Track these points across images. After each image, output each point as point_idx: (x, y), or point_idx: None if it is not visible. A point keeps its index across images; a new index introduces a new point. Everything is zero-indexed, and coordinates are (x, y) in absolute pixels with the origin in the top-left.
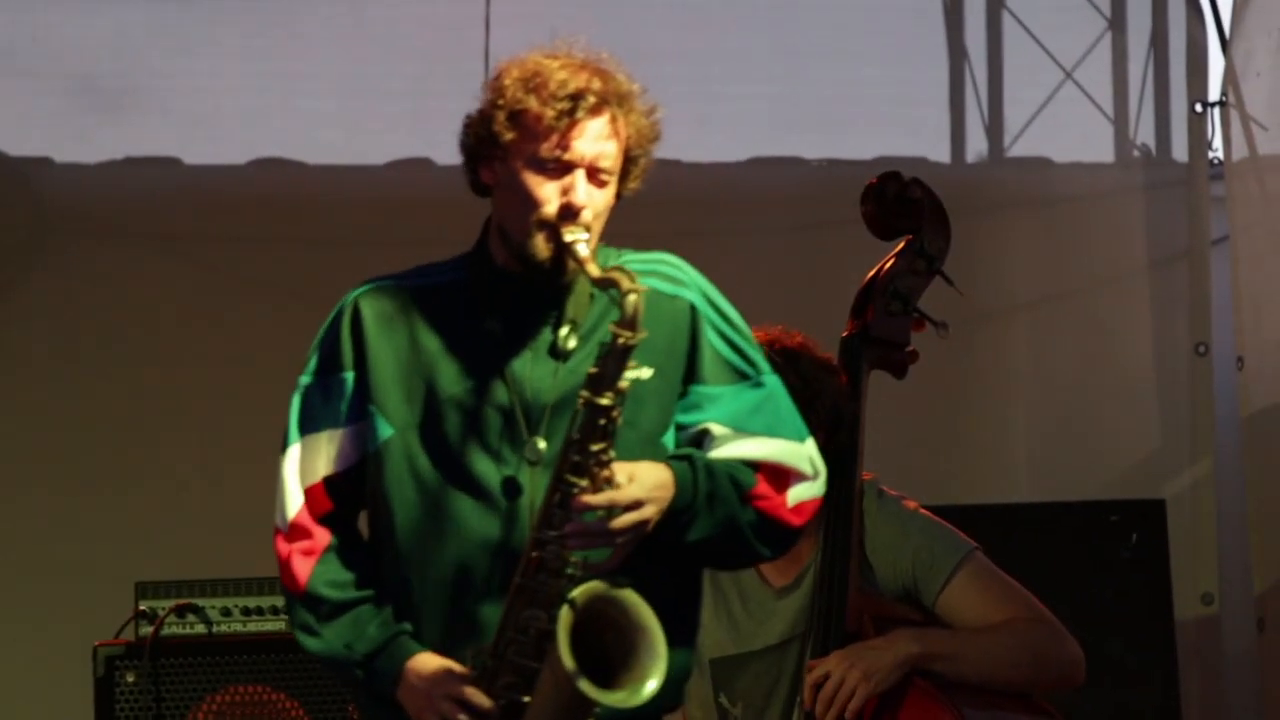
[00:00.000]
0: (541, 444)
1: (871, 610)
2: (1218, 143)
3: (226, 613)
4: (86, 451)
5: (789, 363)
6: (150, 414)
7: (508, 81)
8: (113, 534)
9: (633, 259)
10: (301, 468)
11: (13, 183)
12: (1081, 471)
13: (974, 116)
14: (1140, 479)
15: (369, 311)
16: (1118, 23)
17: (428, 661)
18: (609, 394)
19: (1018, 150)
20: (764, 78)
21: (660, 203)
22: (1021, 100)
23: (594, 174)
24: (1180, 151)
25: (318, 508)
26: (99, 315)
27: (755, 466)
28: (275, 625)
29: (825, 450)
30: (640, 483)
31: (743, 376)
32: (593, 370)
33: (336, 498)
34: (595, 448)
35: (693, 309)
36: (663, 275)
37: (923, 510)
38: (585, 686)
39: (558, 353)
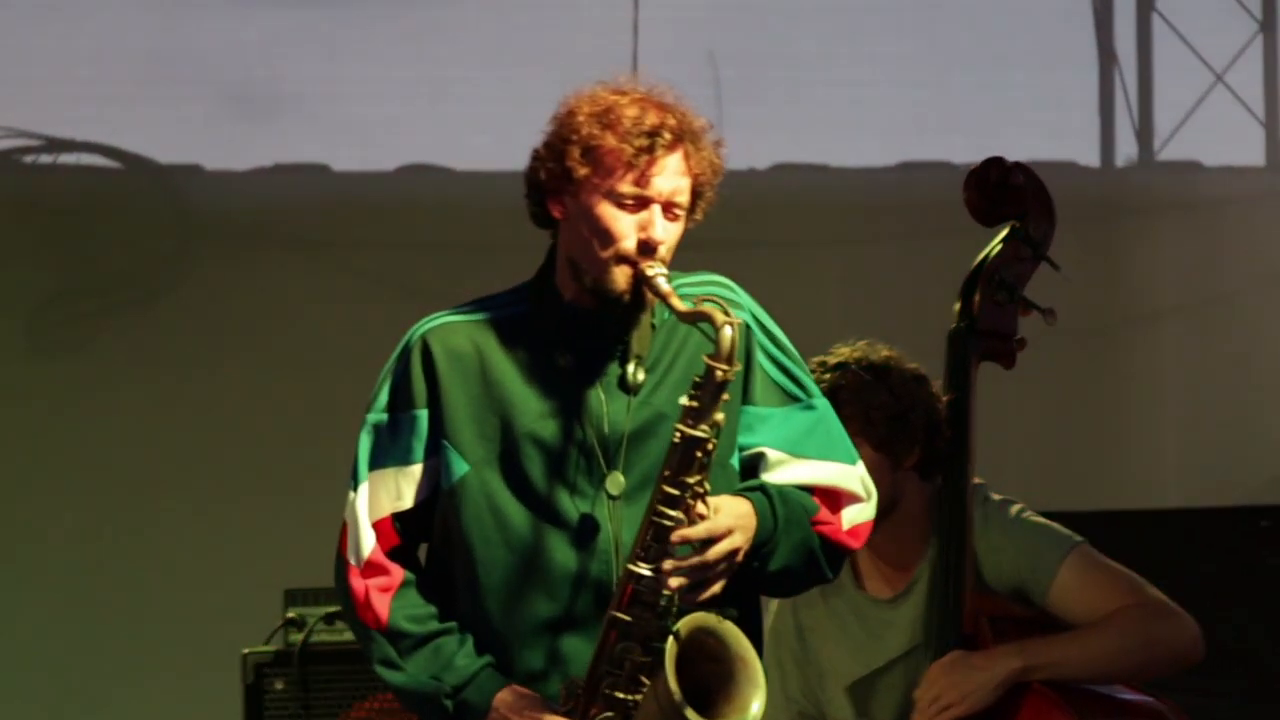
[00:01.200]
0: (620, 478)
1: (987, 610)
2: None
3: None
4: (236, 458)
5: (878, 378)
6: (299, 420)
7: (581, 117)
8: (262, 541)
9: (685, 281)
10: (371, 504)
11: (163, 190)
12: (1232, 476)
13: (1123, 120)
14: None
15: (439, 348)
16: (1269, 24)
17: (519, 694)
18: (704, 427)
19: (1167, 154)
20: (912, 82)
21: (812, 208)
22: (1171, 103)
23: (668, 209)
24: None
25: (386, 543)
26: (247, 321)
27: (811, 490)
28: None
29: (926, 458)
30: (728, 512)
31: (793, 399)
32: (689, 403)
33: (404, 533)
34: (691, 480)
35: (746, 330)
36: (717, 298)
37: (1028, 511)
38: (692, 716)
39: (628, 387)
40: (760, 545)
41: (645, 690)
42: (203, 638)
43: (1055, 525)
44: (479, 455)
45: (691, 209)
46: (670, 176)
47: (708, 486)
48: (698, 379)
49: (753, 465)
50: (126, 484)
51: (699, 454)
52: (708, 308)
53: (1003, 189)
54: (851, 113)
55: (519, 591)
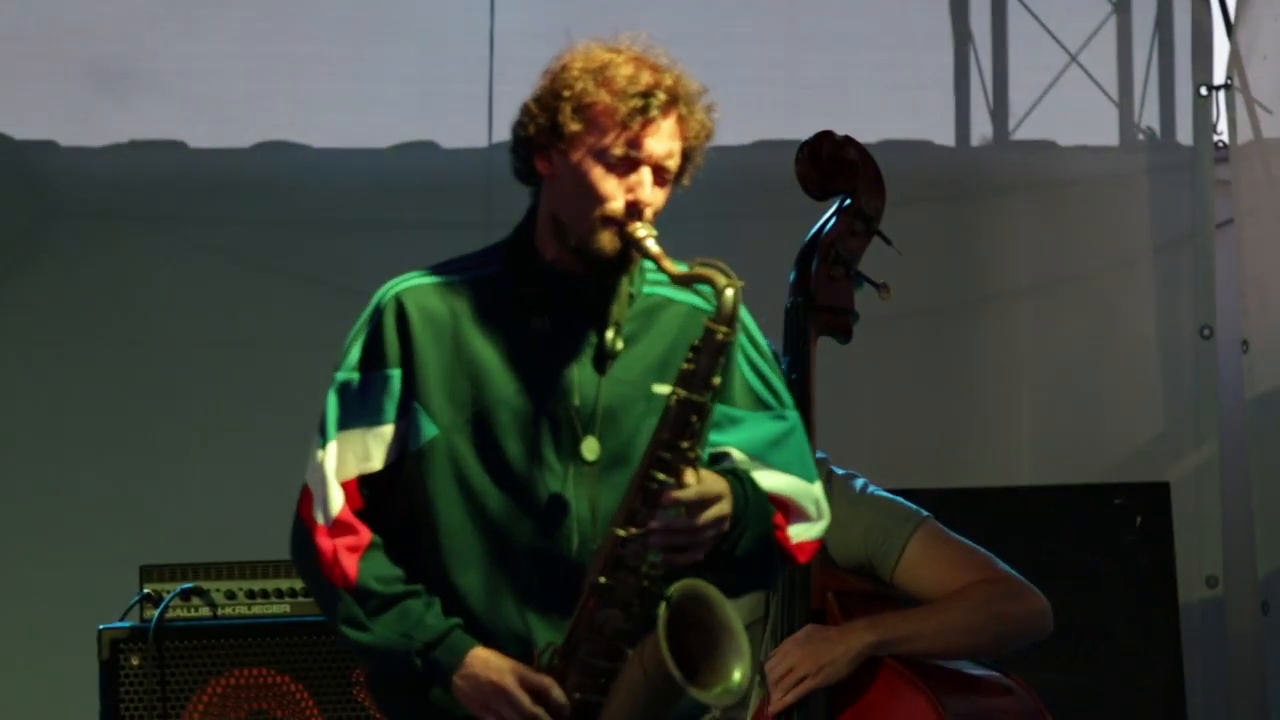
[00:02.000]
0: (595, 444)
1: (834, 586)
2: (1223, 126)
3: (231, 596)
4: (90, 435)
5: None
6: (153, 397)
7: (575, 72)
8: (117, 517)
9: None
10: (339, 463)
11: (17, 166)
12: (1086, 455)
13: (978, 100)
14: (1144, 462)
15: (413, 307)
16: (1122, 6)
17: (491, 654)
18: (702, 391)
19: (1022, 133)
20: (768, 62)
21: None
22: (1026, 84)
23: (659, 172)
24: (1185, 135)
25: (353, 503)
26: (102, 299)
27: (770, 498)
28: (280, 608)
29: None
30: (714, 480)
31: (765, 406)
32: (686, 366)
33: (370, 494)
34: (684, 445)
35: (737, 337)
36: (705, 294)
37: (872, 486)
38: (682, 682)
39: (605, 354)
40: (733, 523)
41: (630, 656)
42: (58, 614)
43: (901, 500)
44: (448, 419)
45: (680, 172)
46: (663, 139)
47: (700, 453)
48: (696, 342)
49: (716, 462)
50: None
51: (694, 418)
52: (707, 271)
53: (835, 163)
54: (708, 93)
55: (483, 560)
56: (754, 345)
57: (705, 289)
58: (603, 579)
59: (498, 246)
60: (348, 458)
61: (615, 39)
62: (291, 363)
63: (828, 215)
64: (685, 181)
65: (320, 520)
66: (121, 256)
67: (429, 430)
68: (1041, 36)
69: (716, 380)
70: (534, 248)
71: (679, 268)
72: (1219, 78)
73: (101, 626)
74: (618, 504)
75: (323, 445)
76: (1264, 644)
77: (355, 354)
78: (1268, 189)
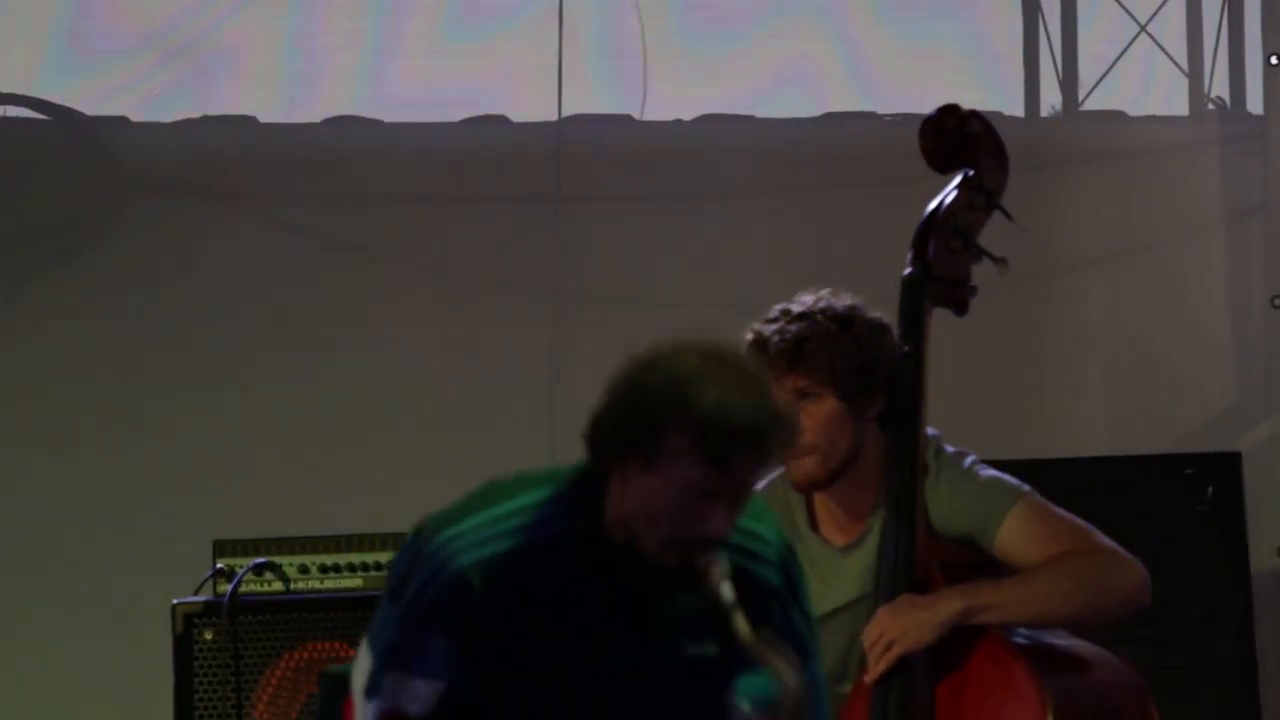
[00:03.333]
0: None
1: (939, 556)
2: None
3: (304, 570)
4: (164, 410)
5: (844, 328)
6: (224, 371)
7: (657, 400)
8: (191, 492)
9: (738, 529)
10: (387, 702)
11: (89, 142)
12: (1157, 425)
13: (1048, 70)
14: (1216, 432)
15: (477, 582)
16: None
17: None
18: None
19: (1092, 104)
20: (838, 34)
21: (735, 158)
22: (1095, 54)
23: (738, 497)
24: (1255, 104)
25: None
26: (173, 274)
27: None
28: (352, 582)
29: (888, 409)
30: None
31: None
32: None
33: None
34: None
35: (769, 590)
36: (754, 555)
37: (980, 464)
38: None
39: (658, 637)
40: None
41: None
42: (132, 589)
43: (1006, 477)
44: (496, 692)
45: None
46: (744, 476)
47: None
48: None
49: None
50: (52, 437)
51: None
52: (774, 659)
53: (958, 136)
54: (776, 64)
55: None
56: (794, 595)
57: (758, 548)
58: None
59: (560, 501)
60: (395, 697)
61: (709, 345)
62: (361, 337)
63: (949, 188)
64: None
65: None
66: (192, 232)
67: (472, 693)
68: (1111, 6)
69: None
70: (603, 528)
71: (747, 630)
72: None
73: (175, 601)
74: None
75: (373, 684)
76: None
77: (416, 608)
78: None
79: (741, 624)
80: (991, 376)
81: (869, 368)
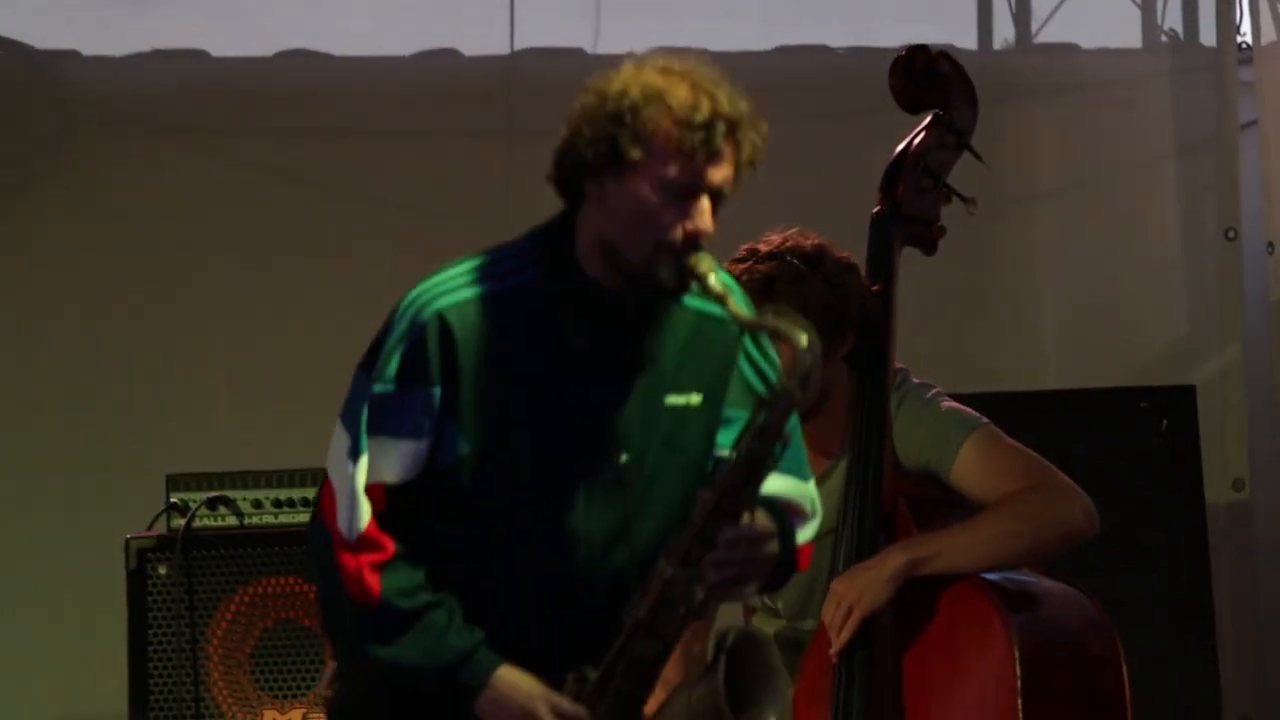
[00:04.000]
0: (629, 464)
1: (904, 491)
2: (1246, 27)
3: (258, 505)
4: (113, 344)
5: (812, 267)
6: (177, 305)
7: (636, 97)
8: (142, 427)
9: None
10: (370, 475)
11: (38, 75)
12: (1111, 358)
13: (1000, 2)
14: (1170, 365)
15: (456, 325)
16: None
17: (520, 676)
18: (770, 444)
19: (1045, 36)
20: None
21: None
22: None
23: (715, 197)
24: (1208, 36)
25: (376, 506)
26: (124, 207)
27: (772, 500)
28: (306, 517)
29: (858, 349)
30: (765, 521)
31: None
32: (757, 420)
33: (394, 504)
34: (746, 492)
35: (740, 333)
36: (781, 311)
37: (943, 396)
38: None
39: (643, 373)
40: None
41: (677, 693)
42: (86, 524)
43: (965, 409)
44: (482, 436)
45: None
46: (724, 167)
47: (757, 494)
48: (765, 397)
49: (717, 466)
50: (4, 371)
51: (757, 473)
52: (782, 324)
53: (928, 76)
54: None
55: (508, 577)
56: (757, 344)
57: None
58: (646, 614)
59: (528, 248)
60: (377, 466)
61: (664, 61)
62: (315, 271)
63: (919, 128)
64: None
65: (344, 533)
66: (143, 165)
67: (462, 448)
68: None
69: (786, 436)
70: (576, 263)
71: (746, 312)
72: None
73: (129, 536)
74: (652, 521)
75: (353, 454)
76: None
77: (394, 366)
78: None
79: (738, 304)
80: (944, 311)
81: (838, 307)
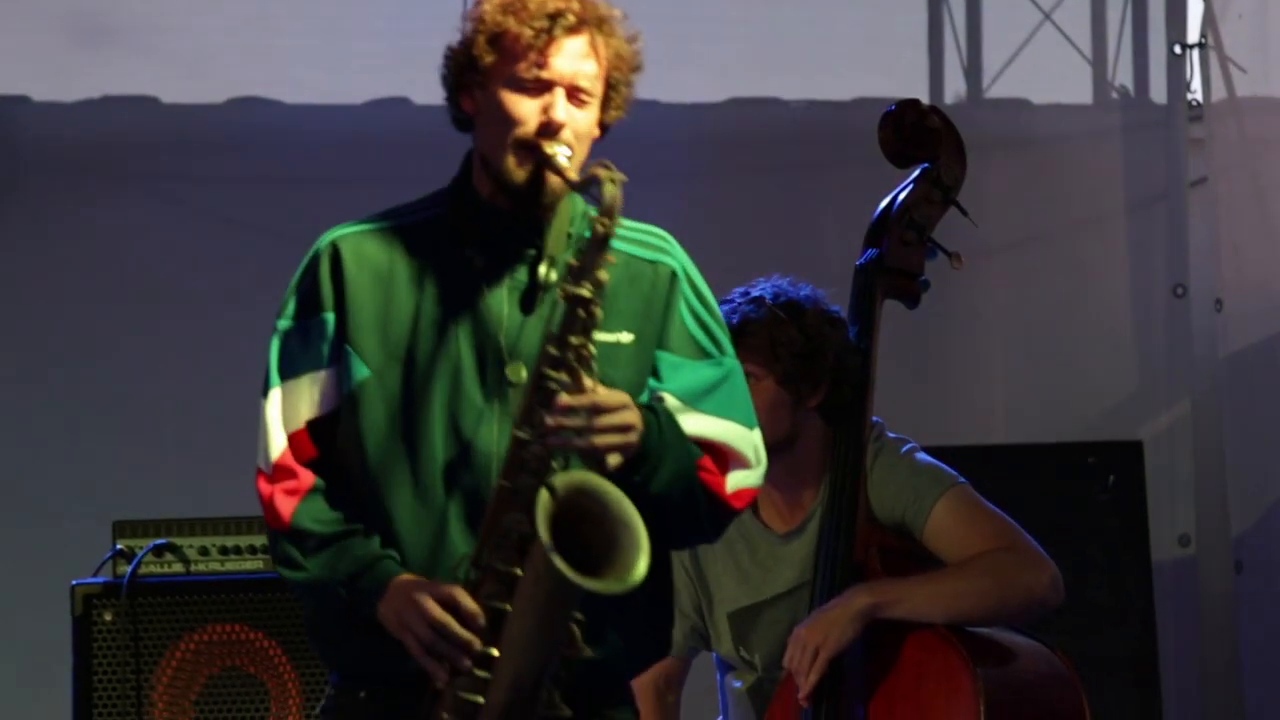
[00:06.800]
0: (522, 368)
1: (877, 542)
2: (1196, 84)
3: (204, 552)
4: (62, 391)
5: (792, 316)
6: (126, 354)
7: (487, 7)
8: (91, 473)
9: (624, 225)
10: (284, 412)
11: None
12: (1058, 413)
13: (952, 57)
14: (1118, 421)
15: (348, 252)
16: None
17: (415, 580)
18: (587, 285)
19: (996, 91)
20: (742, 18)
21: (639, 143)
22: (1000, 41)
23: (574, 94)
24: (1159, 93)
25: (302, 453)
26: (74, 254)
27: (701, 444)
28: (253, 564)
29: (830, 402)
30: (621, 394)
31: (705, 354)
32: (572, 262)
33: (320, 442)
34: (575, 341)
35: (673, 276)
36: (647, 244)
37: (919, 451)
38: (562, 566)
39: (536, 288)
40: (644, 456)
41: (528, 559)
42: (31, 570)
43: (942, 466)
44: (380, 360)
45: (607, 103)
46: (572, 59)
47: (592, 350)
48: (582, 238)
49: (649, 408)
50: None
51: (582, 313)
52: (594, 170)
53: (918, 131)
54: (680, 48)
55: (414, 495)
56: (697, 294)
57: (652, 240)
58: (506, 482)
59: (439, 192)
60: (291, 405)
61: None
62: (264, 320)
63: (907, 181)
64: (613, 113)
65: (261, 465)
66: (93, 212)
67: (360, 372)
68: None
69: (602, 276)
70: (472, 187)
71: (576, 175)
72: (1193, 36)
73: (74, 582)
74: None
75: (265, 393)
76: (1236, 603)
77: (293, 302)
78: (1241, 148)
79: (572, 174)
80: (893, 364)
81: (811, 355)
